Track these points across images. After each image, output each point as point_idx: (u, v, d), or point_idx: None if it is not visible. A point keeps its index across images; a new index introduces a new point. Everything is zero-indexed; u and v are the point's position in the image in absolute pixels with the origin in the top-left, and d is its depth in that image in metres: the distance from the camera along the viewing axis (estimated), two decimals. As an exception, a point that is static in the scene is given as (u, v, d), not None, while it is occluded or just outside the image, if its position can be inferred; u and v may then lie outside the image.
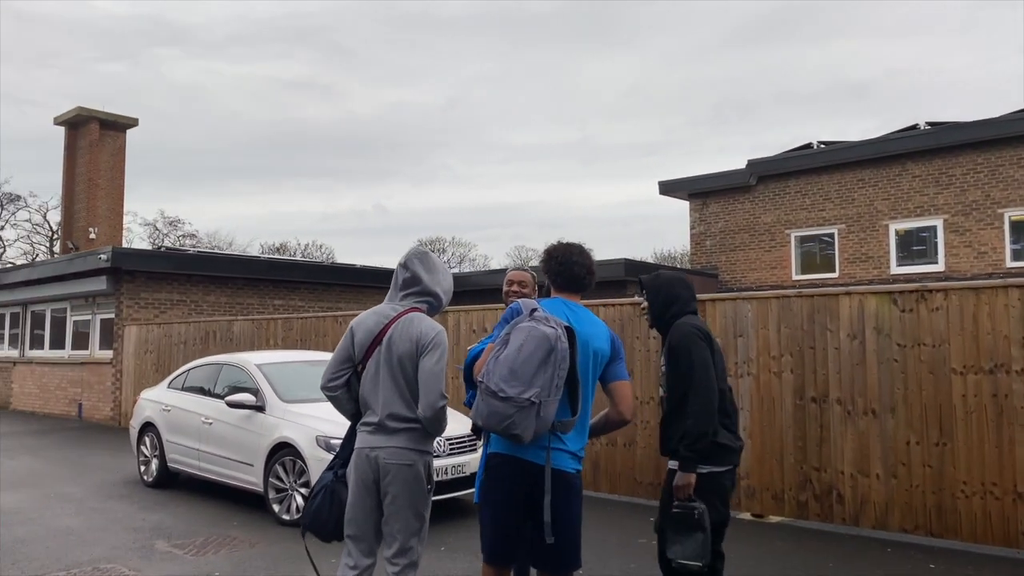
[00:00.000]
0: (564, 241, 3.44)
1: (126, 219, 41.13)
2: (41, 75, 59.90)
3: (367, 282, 18.34)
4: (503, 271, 7.43)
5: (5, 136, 56.71)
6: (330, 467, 3.48)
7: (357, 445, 3.38)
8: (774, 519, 6.90)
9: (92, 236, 22.85)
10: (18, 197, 40.27)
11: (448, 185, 74.72)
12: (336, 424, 6.24)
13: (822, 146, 19.05)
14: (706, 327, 3.65)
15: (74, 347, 16.87)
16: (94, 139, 23.95)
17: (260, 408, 7.29)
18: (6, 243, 41.38)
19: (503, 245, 77.48)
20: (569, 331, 3.05)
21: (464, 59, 78.57)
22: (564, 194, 75.38)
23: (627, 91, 79.11)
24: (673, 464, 3.52)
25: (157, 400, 8.78)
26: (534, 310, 3.04)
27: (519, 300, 3.20)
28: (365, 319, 3.49)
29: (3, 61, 58.62)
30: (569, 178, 76.47)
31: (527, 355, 2.89)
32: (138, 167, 61.41)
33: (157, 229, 43.64)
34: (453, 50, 78.83)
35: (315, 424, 6.77)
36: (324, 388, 3.48)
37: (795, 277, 18.30)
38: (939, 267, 16.47)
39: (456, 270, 38.53)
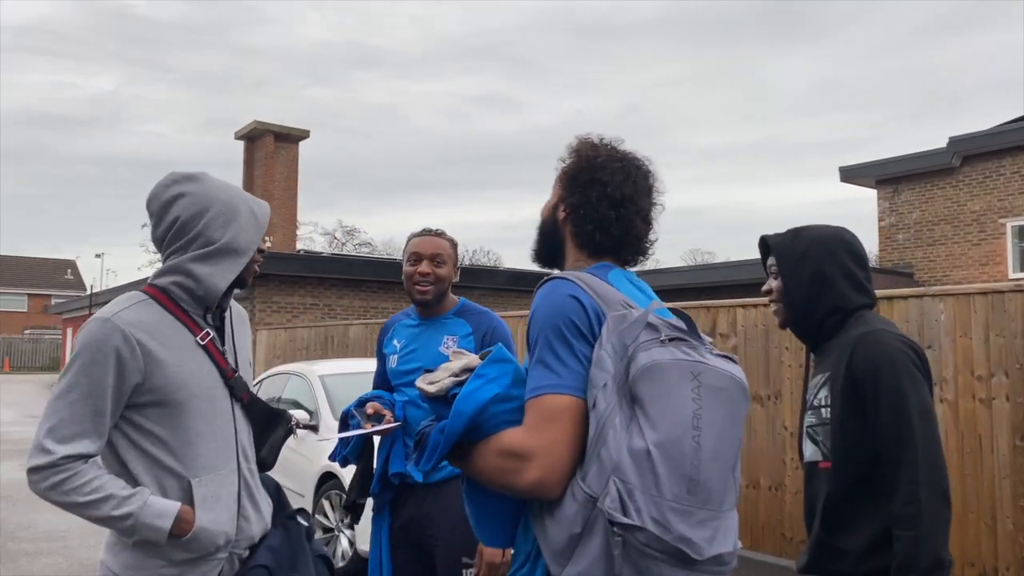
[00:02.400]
0: (604, 140, 1.66)
1: (307, 229, 43.23)
2: (257, 102, 65.22)
3: (505, 284, 17.26)
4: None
5: (220, 158, 61.83)
6: None
7: None
8: (983, 608, 4.85)
9: (268, 245, 23.39)
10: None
11: (630, 190, 73.51)
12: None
13: (1047, 116, 15.70)
14: (914, 340, 1.96)
15: (219, 351, 16.96)
16: (269, 151, 24.63)
17: (315, 428, 6.18)
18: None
19: (680, 250, 75.56)
20: None
21: (645, 64, 77.13)
22: (748, 196, 72.12)
23: (818, 87, 74.16)
24: None
25: (235, 412, 7.97)
26: (628, 306, 1.43)
27: (559, 279, 1.47)
28: None
29: (223, 90, 64.13)
30: (754, 179, 72.95)
31: (717, 439, 1.31)
32: (332, 183, 65.41)
33: (336, 238, 45.38)
34: (634, 55, 77.64)
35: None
36: None
37: (1013, 275, 15.10)
38: None
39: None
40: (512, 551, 1.53)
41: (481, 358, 1.49)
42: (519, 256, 69.37)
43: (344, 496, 5.46)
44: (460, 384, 1.46)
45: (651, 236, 1.63)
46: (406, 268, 2.83)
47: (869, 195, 17.97)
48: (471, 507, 1.53)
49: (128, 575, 1.85)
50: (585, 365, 1.35)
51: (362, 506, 2.80)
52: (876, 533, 1.81)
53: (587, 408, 1.32)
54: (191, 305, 1.96)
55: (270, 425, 2.10)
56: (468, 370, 1.48)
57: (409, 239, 2.88)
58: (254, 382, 8.04)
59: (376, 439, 2.74)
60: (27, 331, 43.84)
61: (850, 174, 17.73)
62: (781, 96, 75.43)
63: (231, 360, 2.04)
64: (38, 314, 45.81)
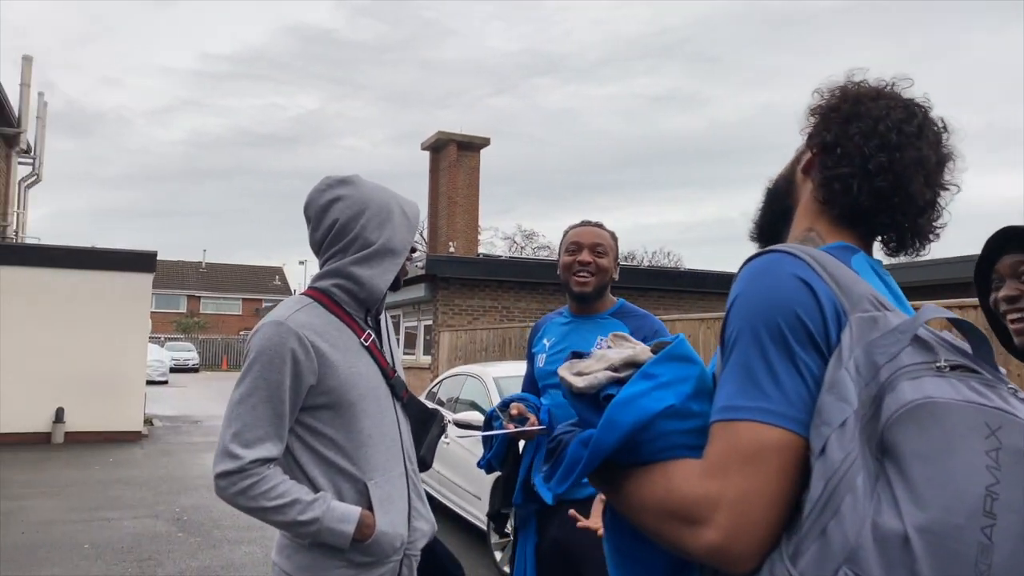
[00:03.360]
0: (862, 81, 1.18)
1: (488, 234, 44.61)
2: (443, 114, 68.92)
3: (688, 286, 16.74)
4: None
5: (409, 169, 65.76)
6: None
7: None
8: None
9: (452, 249, 24.34)
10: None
11: (823, 185, 70.75)
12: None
13: None
14: None
15: (405, 352, 17.67)
16: (452, 160, 25.59)
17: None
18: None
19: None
20: None
21: (838, 51, 73.63)
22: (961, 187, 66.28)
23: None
24: None
25: (415, 412, 8.18)
26: (881, 306, 0.97)
27: (781, 253, 1.01)
28: None
29: (413, 104, 68.20)
30: (966, 170, 66.94)
31: (1021, 536, 0.81)
32: (513, 188, 67.39)
33: (515, 243, 46.36)
34: (825, 43, 74.23)
35: (543, 455, 5.43)
36: None
37: None
38: None
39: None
40: None
41: (654, 350, 1.08)
42: (700, 257, 67.83)
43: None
44: (619, 383, 1.05)
45: (934, 213, 1.13)
46: (564, 258, 2.65)
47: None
48: (611, 549, 1.14)
49: (279, 555, 1.89)
50: (810, 387, 0.92)
51: (506, 516, 2.64)
52: None
53: (806, 452, 0.90)
54: (353, 307, 1.96)
55: (426, 424, 2.09)
56: (633, 365, 1.07)
57: (567, 231, 2.71)
58: (435, 382, 8.23)
59: (521, 444, 2.58)
60: (242, 332, 48.18)
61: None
62: (998, 77, 68.78)
63: (389, 360, 2.03)
64: (251, 317, 50.23)
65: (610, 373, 1.07)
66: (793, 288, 0.96)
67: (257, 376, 1.78)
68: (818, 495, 0.86)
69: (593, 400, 1.07)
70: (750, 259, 1.03)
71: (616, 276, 2.65)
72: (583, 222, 2.72)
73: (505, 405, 2.54)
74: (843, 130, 1.10)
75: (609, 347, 1.15)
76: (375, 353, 1.97)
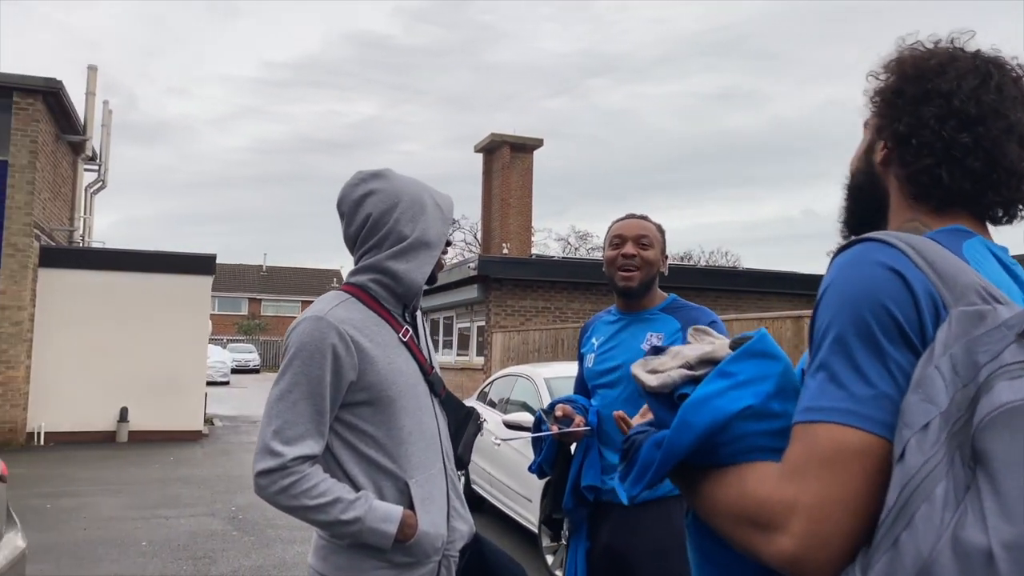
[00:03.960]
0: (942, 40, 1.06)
1: (541, 235, 44.66)
2: (499, 116, 69.48)
3: (745, 286, 16.37)
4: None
5: (463, 172, 66.64)
6: None
7: None
8: None
9: (505, 251, 24.36)
10: (454, 220, 45.84)
11: (892, 182, 69.27)
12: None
13: None
14: None
15: (458, 353, 17.71)
16: (505, 162, 25.63)
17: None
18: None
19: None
20: None
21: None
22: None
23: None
24: None
25: (467, 413, 8.15)
26: (991, 298, 0.87)
27: (872, 242, 0.92)
28: None
29: (468, 107, 68.95)
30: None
31: None
32: (567, 190, 67.31)
33: (569, 243, 46.24)
34: (891, 36, 72.52)
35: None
36: None
37: None
38: None
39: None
40: None
41: (732, 346, 1.00)
42: (762, 257, 66.61)
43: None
44: (695, 381, 0.99)
45: None
46: (608, 253, 2.54)
47: None
48: (694, 551, 1.07)
49: (317, 557, 1.84)
50: (901, 387, 0.84)
51: (560, 521, 2.55)
52: None
53: (892, 457, 0.82)
54: (390, 302, 1.93)
55: (463, 422, 2.04)
56: (710, 362, 1.00)
57: (611, 225, 2.61)
58: (486, 383, 8.18)
59: (572, 447, 2.49)
60: (300, 334, 48.95)
61: None
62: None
63: (426, 356, 2.00)
64: (309, 319, 51.08)
65: (685, 371, 1.01)
66: (883, 279, 0.87)
67: (297, 372, 1.75)
68: (893, 502, 0.78)
69: (667, 399, 1.02)
70: (840, 249, 0.94)
71: (664, 270, 2.54)
72: (627, 215, 2.63)
73: (552, 407, 2.47)
74: (915, 117, 1.00)
75: (688, 343, 1.09)
76: (413, 349, 1.94)
